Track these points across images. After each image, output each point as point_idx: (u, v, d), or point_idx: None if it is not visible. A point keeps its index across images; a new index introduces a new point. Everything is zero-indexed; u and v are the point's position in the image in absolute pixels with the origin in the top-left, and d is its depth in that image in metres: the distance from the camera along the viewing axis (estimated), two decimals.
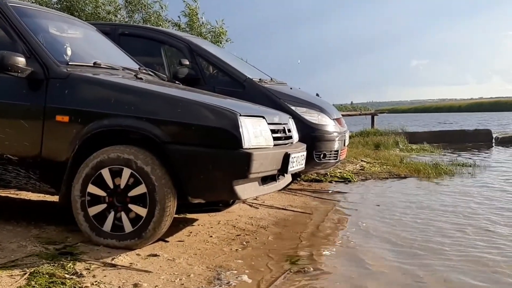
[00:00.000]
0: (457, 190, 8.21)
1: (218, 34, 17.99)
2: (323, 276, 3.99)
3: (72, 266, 3.58)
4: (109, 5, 17.80)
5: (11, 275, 3.35)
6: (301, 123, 6.39)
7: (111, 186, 4.07)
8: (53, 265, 3.56)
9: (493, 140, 19.07)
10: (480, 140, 19.03)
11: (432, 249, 4.75)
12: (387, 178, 9.51)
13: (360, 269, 4.21)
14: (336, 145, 7.17)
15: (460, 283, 3.89)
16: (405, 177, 9.62)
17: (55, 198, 4.44)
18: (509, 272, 4.12)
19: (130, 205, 4.04)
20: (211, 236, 4.85)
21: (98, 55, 5.08)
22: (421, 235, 5.25)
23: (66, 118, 4.21)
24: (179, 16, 18.12)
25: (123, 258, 3.86)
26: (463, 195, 7.70)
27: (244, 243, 4.74)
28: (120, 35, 7.37)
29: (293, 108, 6.84)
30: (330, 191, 8.00)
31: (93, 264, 3.69)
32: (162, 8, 18.25)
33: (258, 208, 6.27)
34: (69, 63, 4.45)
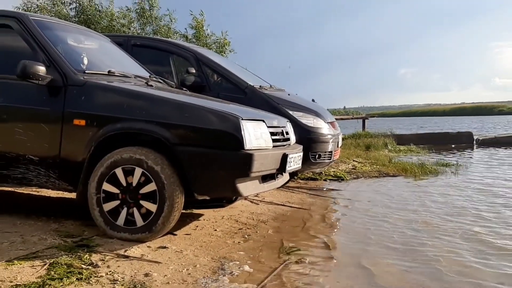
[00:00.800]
0: (437, 188, 8.21)
1: (222, 45, 18.07)
2: (318, 266, 3.99)
3: (88, 257, 3.59)
4: (123, 19, 17.90)
5: (33, 266, 3.35)
6: (298, 126, 6.41)
7: (124, 184, 4.08)
8: (71, 257, 3.56)
9: (474, 142, 19.07)
10: (463, 142, 19.03)
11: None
12: (377, 177, 9.51)
13: (350, 259, 4.22)
14: (330, 147, 7.18)
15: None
16: (393, 176, 9.62)
17: (73, 195, 4.44)
18: None
19: (141, 202, 4.06)
20: (215, 230, 4.85)
21: (112, 64, 5.09)
22: (407, 233, 5.27)
23: (82, 122, 4.22)
24: (185, 28, 18.25)
25: (135, 250, 3.87)
26: (441, 193, 7.71)
27: (246, 236, 4.74)
28: (132, 46, 7.39)
29: (290, 112, 6.85)
30: (324, 189, 8.00)
31: (107, 255, 3.70)
32: (171, 21, 18.36)
33: (258, 204, 6.27)
34: (86, 71, 4.46)
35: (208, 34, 18.27)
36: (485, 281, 3.71)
